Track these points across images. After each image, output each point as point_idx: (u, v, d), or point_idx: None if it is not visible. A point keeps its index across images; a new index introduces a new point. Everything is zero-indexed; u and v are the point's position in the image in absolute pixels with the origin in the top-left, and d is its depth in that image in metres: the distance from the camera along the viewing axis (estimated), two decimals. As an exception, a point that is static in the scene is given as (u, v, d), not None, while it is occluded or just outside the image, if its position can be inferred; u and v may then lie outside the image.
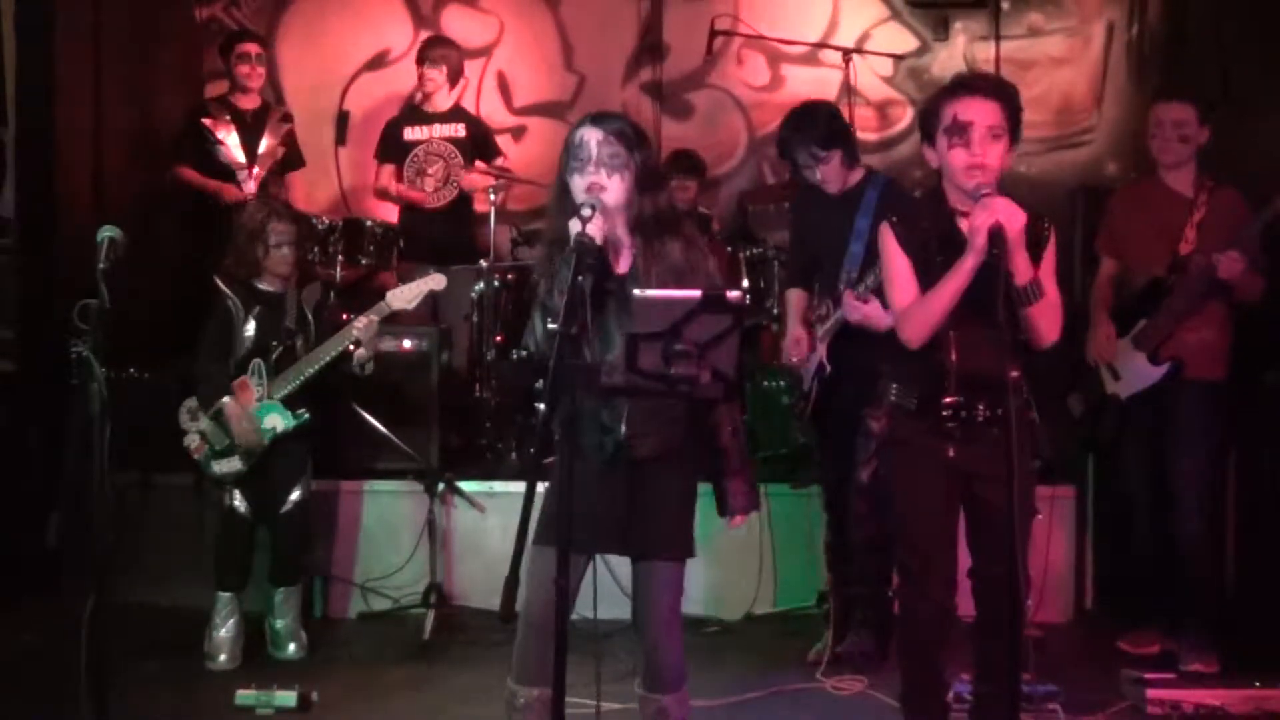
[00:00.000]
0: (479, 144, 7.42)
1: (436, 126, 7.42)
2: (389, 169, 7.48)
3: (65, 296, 6.22)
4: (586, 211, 3.34)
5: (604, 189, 3.46)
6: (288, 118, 7.57)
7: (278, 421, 5.32)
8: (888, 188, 5.16)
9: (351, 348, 5.33)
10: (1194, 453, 5.22)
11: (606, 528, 3.50)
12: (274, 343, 5.38)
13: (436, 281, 5.53)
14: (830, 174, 5.10)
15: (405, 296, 5.47)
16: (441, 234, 7.29)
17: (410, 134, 7.44)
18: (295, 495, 5.44)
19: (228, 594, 5.38)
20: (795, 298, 5.42)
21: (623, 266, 3.58)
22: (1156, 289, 5.20)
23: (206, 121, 7.18)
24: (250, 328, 5.39)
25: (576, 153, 3.52)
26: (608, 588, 3.79)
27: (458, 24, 8.38)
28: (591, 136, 3.51)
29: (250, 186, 7.15)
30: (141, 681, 4.93)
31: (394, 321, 6.39)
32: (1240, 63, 6.67)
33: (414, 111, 7.61)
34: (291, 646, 5.45)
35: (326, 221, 7.05)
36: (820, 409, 5.23)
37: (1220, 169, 5.29)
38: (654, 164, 3.64)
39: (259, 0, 8.45)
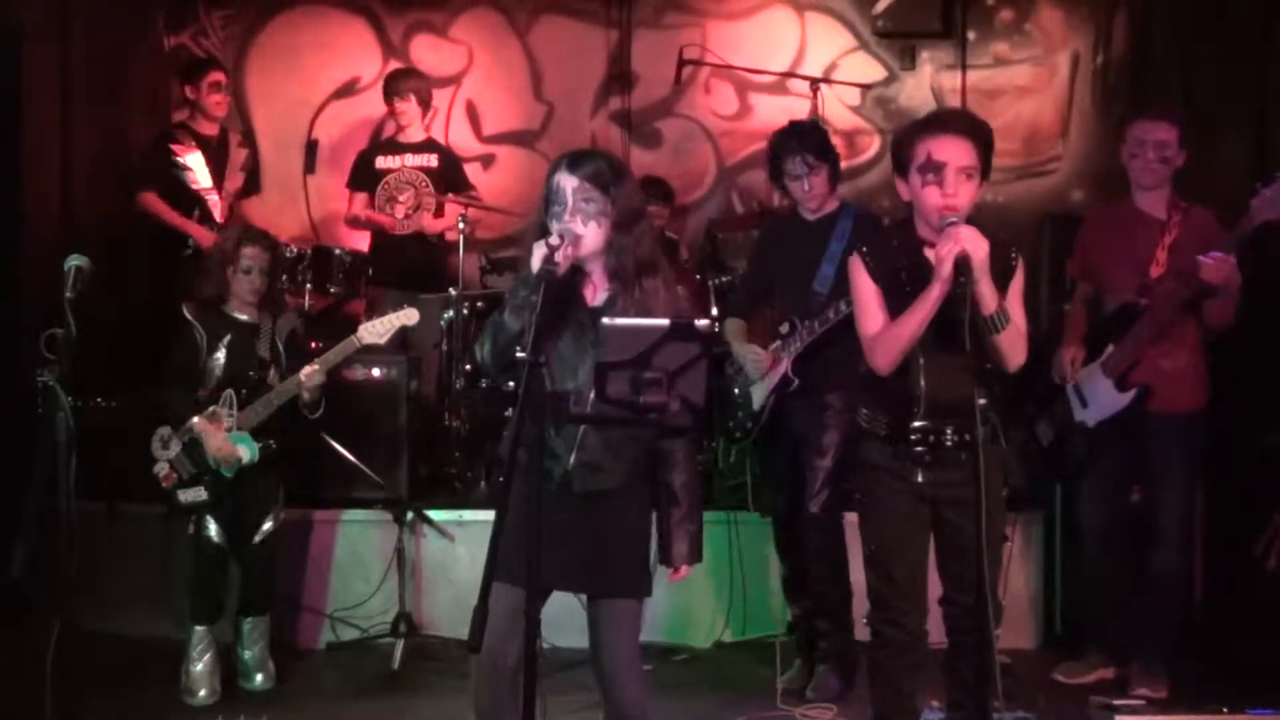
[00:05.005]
0: (450, 175, 7.42)
1: (409, 156, 7.42)
2: (361, 197, 7.47)
3: (31, 325, 6.21)
4: (555, 240, 3.35)
5: (580, 237, 3.46)
6: (244, 143, 7.58)
7: (243, 453, 5.28)
8: (863, 218, 5.21)
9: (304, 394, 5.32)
10: (1176, 491, 5.19)
11: (558, 563, 3.45)
12: (248, 373, 5.35)
13: (409, 316, 5.46)
14: (817, 188, 5.13)
15: (376, 331, 5.40)
16: (411, 261, 7.28)
17: (382, 163, 7.44)
18: (267, 525, 5.40)
19: (203, 628, 5.32)
20: (736, 325, 5.42)
21: (595, 298, 3.59)
22: (1126, 313, 5.17)
23: (174, 147, 7.16)
24: (220, 356, 5.35)
25: (554, 199, 3.52)
26: (576, 616, 3.78)
27: (427, 53, 8.39)
28: (568, 184, 3.51)
29: (218, 212, 7.15)
30: (107, 712, 4.88)
31: (363, 350, 6.38)
32: (1202, 90, 6.74)
33: (387, 143, 7.62)
34: (259, 677, 5.40)
35: (295, 250, 7.02)
36: (769, 433, 5.25)
37: (1182, 194, 5.26)
38: (633, 201, 3.61)
39: (228, 29, 8.45)
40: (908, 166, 3.74)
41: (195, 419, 5.25)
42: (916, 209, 3.77)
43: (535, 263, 3.32)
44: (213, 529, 5.32)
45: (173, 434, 5.29)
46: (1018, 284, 3.78)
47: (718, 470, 6.24)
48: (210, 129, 7.30)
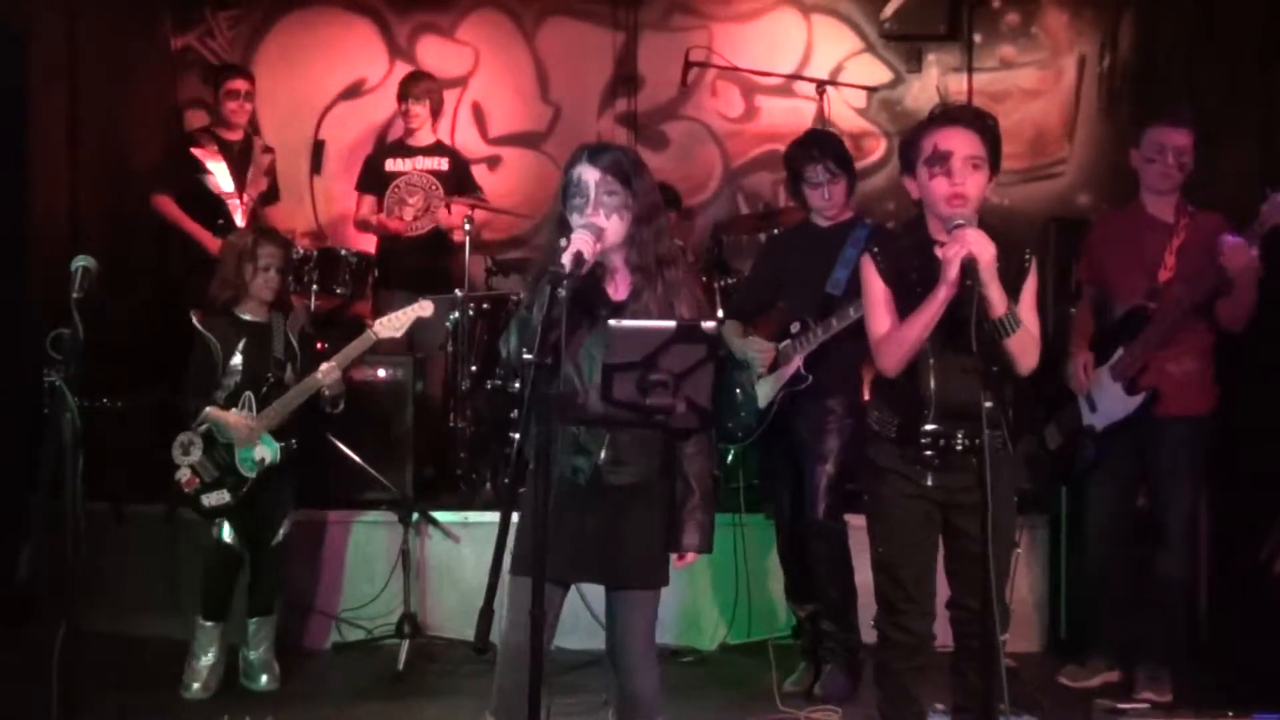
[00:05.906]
0: (459, 178, 7.43)
1: (419, 159, 7.43)
2: (369, 200, 7.47)
3: (38, 325, 6.23)
4: (564, 241, 3.33)
5: (603, 230, 3.44)
6: (269, 149, 7.57)
7: (265, 454, 5.24)
8: (877, 229, 5.20)
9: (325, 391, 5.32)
10: (1182, 495, 5.18)
11: (582, 556, 3.50)
12: (266, 374, 5.33)
13: (424, 309, 5.44)
14: (836, 196, 5.15)
15: (393, 325, 5.38)
16: (417, 263, 7.28)
17: (392, 165, 7.44)
18: (283, 529, 5.40)
19: (211, 623, 5.32)
20: (735, 327, 5.40)
21: (619, 294, 3.58)
22: (1135, 317, 5.15)
23: (196, 151, 7.15)
24: (237, 361, 5.32)
25: (575, 191, 3.50)
26: (582, 617, 3.79)
27: (433, 54, 8.39)
28: (590, 176, 3.48)
29: (239, 216, 7.13)
30: (113, 713, 4.88)
31: (370, 349, 6.39)
32: (1207, 95, 6.73)
33: (397, 145, 7.62)
34: (264, 678, 5.39)
35: (302, 251, 7.02)
36: (771, 435, 5.25)
37: (1187, 198, 5.24)
38: (652, 194, 3.60)
39: (235, 29, 8.45)
40: (915, 162, 3.73)
41: (207, 409, 5.23)
42: (926, 204, 3.75)
43: (567, 261, 3.28)
44: (227, 533, 5.30)
45: (193, 438, 5.26)
46: (1030, 287, 3.76)
47: (724, 469, 6.22)
48: (233, 135, 7.28)
